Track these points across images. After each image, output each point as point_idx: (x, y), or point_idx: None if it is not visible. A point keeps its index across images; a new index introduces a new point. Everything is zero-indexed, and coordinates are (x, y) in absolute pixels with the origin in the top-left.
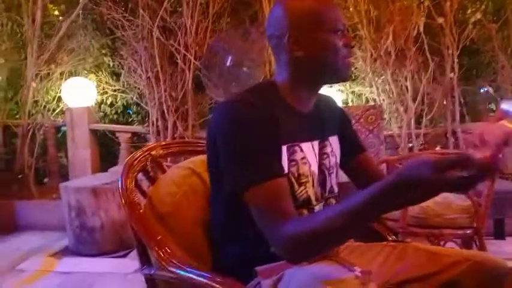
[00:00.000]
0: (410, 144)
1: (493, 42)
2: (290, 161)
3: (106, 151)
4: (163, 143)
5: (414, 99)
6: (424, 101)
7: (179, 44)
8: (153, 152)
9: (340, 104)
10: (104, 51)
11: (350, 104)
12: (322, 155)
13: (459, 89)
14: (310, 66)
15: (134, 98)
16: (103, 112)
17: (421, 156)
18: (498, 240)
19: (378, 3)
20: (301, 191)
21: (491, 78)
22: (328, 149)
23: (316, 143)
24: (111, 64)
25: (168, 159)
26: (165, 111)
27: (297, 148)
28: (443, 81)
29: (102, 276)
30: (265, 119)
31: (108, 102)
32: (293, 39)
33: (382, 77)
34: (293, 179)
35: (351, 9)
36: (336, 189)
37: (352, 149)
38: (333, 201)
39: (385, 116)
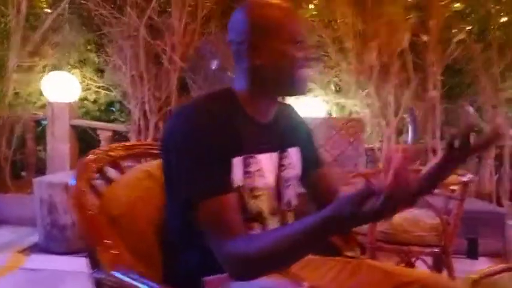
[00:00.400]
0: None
1: (476, 63)
2: (245, 172)
3: (87, 147)
4: (127, 144)
5: (396, 114)
6: (405, 116)
7: (166, 45)
8: (113, 153)
9: (324, 114)
10: (89, 47)
11: (334, 115)
12: (280, 166)
13: (441, 107)
14: (268, 75)
15: (118, 96)
16: (85, 108)
17: (346, 192)
18: (471, 260)
19: (365, 17)
20: (255, 204)
21: (473, 98)
22: (287, 161)
23: (275, 155)
24: (96, 60)
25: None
26: (148, 111)
27: (253, 160)
28: (425, 98)
29: (69, 274)
30: (222, 129)
31: (91, 98)
32: (252, 46)
33: (366, 90)
34: (247, 192)
35: (338, 21)
36: (294, 202)
37: (311, 162)
38: (291, 214)
39: (367, 129)
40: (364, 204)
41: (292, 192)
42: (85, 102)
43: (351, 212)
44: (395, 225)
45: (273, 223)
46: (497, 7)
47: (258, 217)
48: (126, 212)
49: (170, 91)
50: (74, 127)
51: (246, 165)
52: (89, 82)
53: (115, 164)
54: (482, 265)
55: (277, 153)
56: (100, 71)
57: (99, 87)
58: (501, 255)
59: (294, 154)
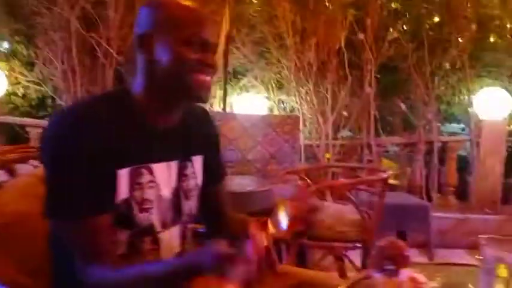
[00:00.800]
0: (327, 155)
1: (409, 61)
2: (134, 184)
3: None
4: (22, 146)
5: (333, 111)
6: (342, 113)
7: (101, 37)
8: (2, 157)
9: (265, 111)
10: (18, 39)
11: (276, 111)
12: (181, 176)
13: (376, 103)
14: (161, 76)
15: (49, 91)
16: (14, 104)
17: (212, 247)
18: None
19: (305, 14)
20: (144, 217)
21: (406, 95)
22: (189, 170)
23: (174, 164)
24: (26, 53)
25: None
26: None
27: (144, 170)
28: (362, 96)
29: None
30: (101, 138)
31: (20, 93)
32: (147, 41)
33: (305, 87)
34: (134, 204)
35: (279, 17)
36: (196, 213)
37: (212, 175)
38: (191, 226)
39: (306, 125)
40: (226, 265)
41: (194, 203)
42: (14, 97)
43: (209, 267)
44: (318, 221)
45: (167, 236)
46: (430, 7)
47: (148, 230)
48: (13, 220)
49: (105, 86)
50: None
51: (135, 176)
52: (18, 76)
53: (7, 168)
54: (410, 257)
55: (178, 162)
56: (30, 64)
57: (28, 82)
58: (426, 246)
59: (197, 163)
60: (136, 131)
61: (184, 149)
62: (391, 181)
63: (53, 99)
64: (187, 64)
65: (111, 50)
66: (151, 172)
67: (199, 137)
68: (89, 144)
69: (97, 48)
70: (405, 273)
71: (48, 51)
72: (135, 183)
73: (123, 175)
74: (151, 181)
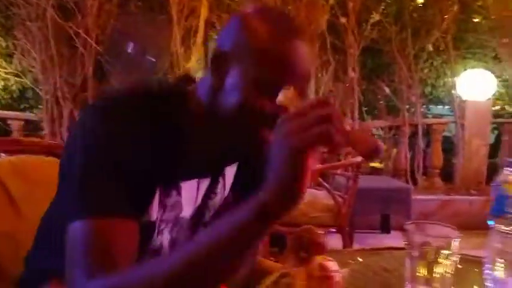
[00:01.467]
0: None
1: (392, 44)
2: (161, 205)
3: None
4: None
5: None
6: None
7: (79, 27)
8: None
9: None
10: None
11: None
12: (210, 194)
13: (359, 88)
14: (221, 109)
15: (28, 82)
16: None
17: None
18: (383, 234)
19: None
20: (157, 240)
21: (391, 79)
22: (219, 186)
23: (206, 181)
24: (4, 45)
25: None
26: (61, 98)
27: (173, 191)
28: (346, 80)
29: None
30: (138, 142)
31: (1, 86)
32: (221, 63)
33: None
34: (154, 226)
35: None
36: None
37: (252, 183)
38: None
39: None
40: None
41: (215, 218)
42: None
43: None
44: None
45: None
46: None
47: (156, 253)
48: None
49: (86, 76)
50: None
51: (164, 197)
52: None
53: None
54: (391, 239)
55: (210, 179)
56: (9, 56)
57: (8, 74)
58: None
59: (229, 173)
60: (184, 143)
61: (220, 160)
62: (376, 165)
63: (34, 90)
64: (253, 114)
65: (90, 40)
66: (179, 193)
67: (239, 143)
68: (126, 143)
69: (75, 38)
70: (317, 261)
71: (26, 42)
72: (161, 204)
73: (157, 194)
74: (177, 202)
